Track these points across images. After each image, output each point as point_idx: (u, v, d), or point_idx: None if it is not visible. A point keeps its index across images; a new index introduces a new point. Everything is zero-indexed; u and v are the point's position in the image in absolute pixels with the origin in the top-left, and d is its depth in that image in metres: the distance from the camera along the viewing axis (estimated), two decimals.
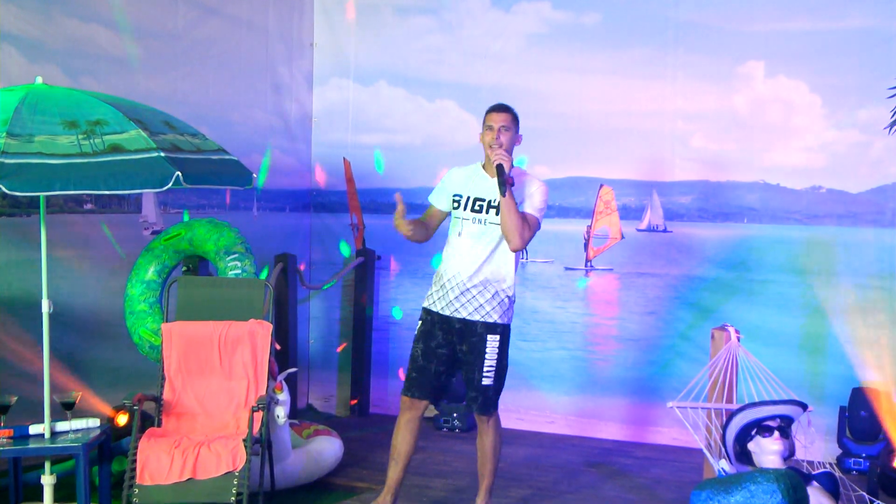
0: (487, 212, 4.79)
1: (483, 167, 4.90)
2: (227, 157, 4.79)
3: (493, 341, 4.83)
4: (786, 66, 6.56)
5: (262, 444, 4.90)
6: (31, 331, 5.11)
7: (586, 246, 7.30)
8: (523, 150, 6.93)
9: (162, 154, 4.23)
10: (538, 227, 4.85)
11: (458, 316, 4.82)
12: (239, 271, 5.74)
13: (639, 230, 7.15)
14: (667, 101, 6.85)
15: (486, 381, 4.86)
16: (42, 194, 4.23)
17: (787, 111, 6.59)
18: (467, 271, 4.79)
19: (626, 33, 6.99)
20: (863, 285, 6.41)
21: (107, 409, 5.61)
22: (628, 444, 6.94)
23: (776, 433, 4.25)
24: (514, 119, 4.82)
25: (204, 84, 6.77)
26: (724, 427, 4.38)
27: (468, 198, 4.84)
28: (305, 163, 7.92)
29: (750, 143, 6.68)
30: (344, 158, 7.83)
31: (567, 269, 7.34)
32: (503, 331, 4.88)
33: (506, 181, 4.62)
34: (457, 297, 4.81)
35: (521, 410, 7.27)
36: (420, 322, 4.98)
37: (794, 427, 4.36)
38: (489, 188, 4.79)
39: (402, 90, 7.65)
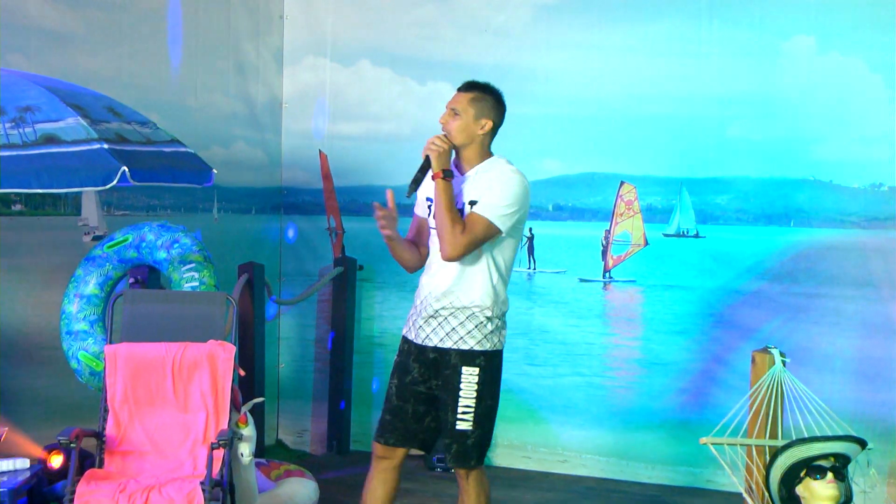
0: None
1: (454, 163, 4.64)
2: (182, 149, 4.79)
3: (469, 375, 4.51)
4: (841, 42, 6.56)
5: (223, 489, 4.87)
6: None
7: (604, 253, 7.30)
8: (532, 141, 6.92)
9: (105, 146, 4.22)
10: (491, 230, 4.44)
11: (430, 344, 4.58)
12: (196, 283, 5.72)
13: (666, 235, 7.15)
14: (699, 84, 6.85)
15: (461, 426, 4.51)
16: None
17: (843, 95, 6.59)
18: (436, 290, 4.54)
19: (651, 4, 6.99)
20: None
21: (37, 449, 5.57)
22: (654, 487, 6.94)
23: (829, 475, 4.25)
24: (477, 100, 4.55)
25: (155, 63, 6.76)
26: (768, 467, 4.38)
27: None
28: (275, 156, 7.91)
29: (797, 133, 6.68)
30: (320, 151, 7.83)
31: (582, 280, 7.34)
32: (486, 362, 4.54)
33: (418, 179, 4.48)
34: (426, 322, 4.58)
35: (528, 447, 7.27)
36: (397, 353, 4.77)
37: (850, 468, 4.35)
38: (456, 188, 4.52)
39: (389, 70, 7.65)
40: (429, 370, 4.63)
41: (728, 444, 4.68)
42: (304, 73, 7.91)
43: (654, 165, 7.09)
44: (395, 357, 4.77)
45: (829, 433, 4.53)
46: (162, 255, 5.83)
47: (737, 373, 6.44)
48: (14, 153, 4.06)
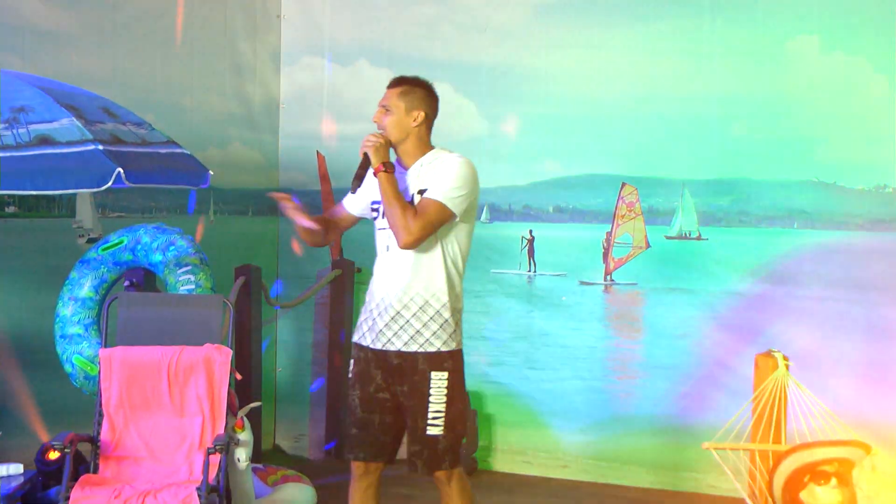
0: None
1: (398, 161, 4.62)
2: (177, 150, 4.79)
3: (438, 379, 4.47)
4: (845, 41, 6.56)
5: (219, 494, 4.87)
6: None
7: (606, 256, 7.30)
8: (532, 142, 6.93)
9: (100, 147, 4.22)
10: (445, 213, 4.39)
11: (393, 348, 4.50)
12: (192, 286, 5.73)
13: (668, 237, 7.14)
14: (701, 84, 6.85)
15: (432, 431, 4.46)
16: None
17: (847, 95, 6.59)
18: (394, 291, 4.48)
19: (653, 3, 6.99)
20: None
21: (31, 455, 5.57)
22: (656, 493, 6.93)
23: (833, 480, 4.25)
24: (406, 93, 4.52)
25: (150, 63, 6.76)
26: (772, 473, 4.38)
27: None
28: (272, 157, 7.92)
29: (801, 134, 6.68)
30: (318, 152, 7.83)
31: (582, 283, 7.34)
32: (453, 364, 4.51)
33: (360, 176, 4.44)
34: (387, 325, 4.50)
35: (528, 452, 7.26)
36: (353, 362, 4.65)
37: (855, 473, 4.35)
38: (402, 182, 4.49)
39: (387, 70, 7.56)
40: (392, 376, 4.54)
41: (731, 449, 4.68)
42: (301, 73, 7.91)
43: (655, 166, 7.09)
44: (352, 367, 4.65)
45: (834, 438, 4.54)
46: (157, 257, 5.84)
47: (740, 377, 6.41)
48: (8, 154, 4.07)
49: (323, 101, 7.83)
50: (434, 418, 4.45)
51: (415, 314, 4.46)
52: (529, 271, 7.43)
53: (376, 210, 4.58)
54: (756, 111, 6.78)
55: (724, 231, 6.99)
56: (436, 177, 4.45)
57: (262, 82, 7.81)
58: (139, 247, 5.87)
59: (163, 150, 4.69)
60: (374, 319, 4.53)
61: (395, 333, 4.48)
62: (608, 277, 7.29)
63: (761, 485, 4.61)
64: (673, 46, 6.92)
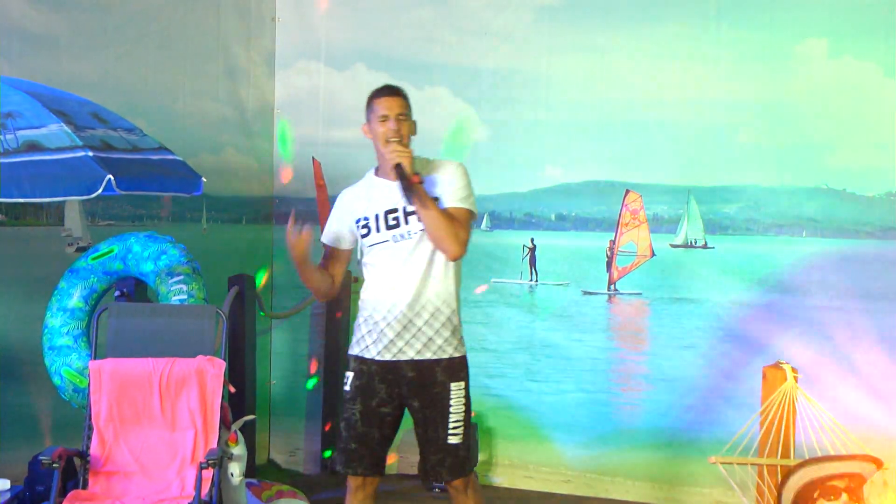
0: (407, 221, 4.56)
1: (376, 172, 4.73)
2: (169, 156, 4.79)
3: (457, 390, 4.61)
4: (854, 45, 6.56)
5: None
6: None
7: (609, 265, 7.30)
8: (533, 148, 6.94)
9: (90, 153, 4.22)
10: (474, 218, 4.63)
11: (405, 358, 4.57)
12: (184, 297, 5.72)
13: (673, 246, 7.15)
14: (707, 89, 6.86)
15: (453, 440, 4.59)
16: None
17: (856, 100, 6.59)
18: (405, 299, 4.53)
19: (657, 5, 7.00)
20: None
21: (18, 470, 5.56)
22: None
23: (844, 496, 4.24)
24: (408, 103, 4.70)
25: (141, 67, 6.76)
26: (780, 488, 4.37)
27: (376, 216, 4.61)
28: (266, 163, 7.92)
29: (810, 140, 6.68)
30: (313, 158, 7.82)
31: (585, 292, 7.34)
32: (465, 372, 4.67)
33: (411, 183, 4.45)
34: (399, 335, 4.55)
35: (530, 467, 7.26)
36: (352, 376, 4.67)
37: (865, 489, 4.34)
38: (396, 194, 4.55)
39: (385, 74, 7.63)
40: (402, 388, 4.61)
41: (738, 464, 4.68)
42: (296, 78, 7.91)
43: (660, 173, 7.09)
44: (350, 381, 4.68)
45: (844, 452, 4.53)
46: (149, 266, 5.83)
47: (747, 389, 6.42)
48: None
49: (319, 106, 7.83)
50: (454, 427, 4.58)
51: (427, 321, 4.54)
52: (531, 281, 7.43)
53: (365, 226, 4.64)
54: (763, 116, 6.79)
55: (730, 239, 7.00)
56: (445, 184, 4.57)
57: (256, 86, 7.81)
58: (130, 256, 5.87)
59: (154, 157, 4.70)
60: (382, 330, 4.57)
61: (407, 342, 4.55)
62: (612, 287, 7.29)
63: (769, 500, 4.61)
64: (678, 50, 6.92)
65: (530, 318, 7.41)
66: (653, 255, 7.19)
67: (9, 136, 4.15)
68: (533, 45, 7.26)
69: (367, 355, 4.63)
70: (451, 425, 4.58)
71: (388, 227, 4.58)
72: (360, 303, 4.72)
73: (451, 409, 4.58)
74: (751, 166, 6.84)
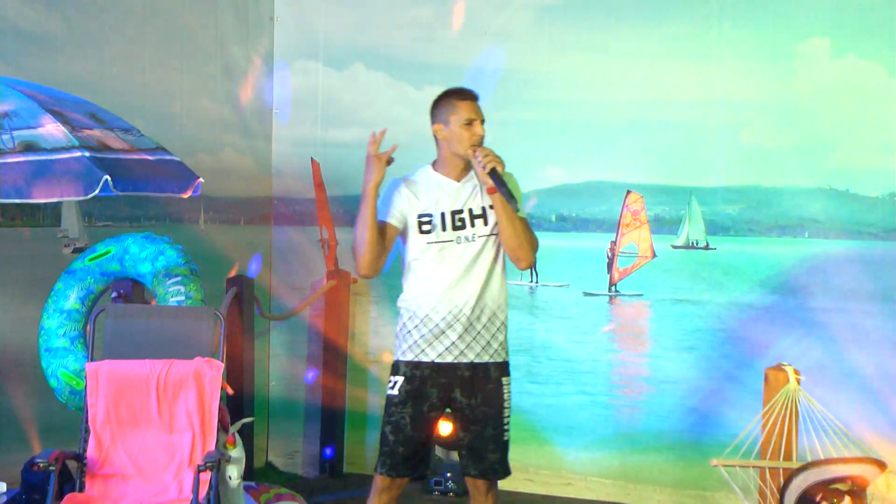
0: (473, 224, 4.59)
1: (433, 167, 4.72)
2: (167, 157, 4.79)
3: (507, 385, 4.73)
4: (857, 44, 6.56)
5: None
6: None
7: (610, 266, 7.30)
8: (534, 148, 6.94)
9: (87, 154, 4.22)
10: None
11: (465, 360, 4.60)
12: (182, 298, 5.72)
13: (674, 247, 7.15)
14: (709, 88, 6.86)
15: (505, 437, 4.74)
16: None
17: (859, 99, 6.59)
18: (468, 303, 4.56)
19: (659, 4, 7.00)
20: None
21: (13, 474, 5.56)
22: None
23: (847, 499, 4.24)
24: None
25: (139, 67, 6.76)
26: (782, 491, 4.37)
27: (442, 214, 4.59)
28: (264, 164, 7.92)
29: (812, 140, 6.69)
30: (312, 159, 7.81)
31: (586, 294, 7.34)
32: (509, 372, 4.79)
33: (507, 188, 4.43)
34: (460, 337, 4.57)
35: (530, 470, 7.25)
36: (402, 380, 4.65)
37: (869, 492, 4.34)
38: (462, 195, 4.61)
39: (384, 74, 7.65)
40: (454, 391, 4.63)
41: (740, 467, 4.68)
42: (295, 78, 7.91)
43: (661, 174, 7.09)
44: (401, 385, 4.65)
45: (847, 455, 4.53)
46: (146, 267, 5.82)
47: (749, 391, 6.40)
48: None
49: (317, 106, 7.83)
50: (506, 423, 4.72)
51: (485, 325, 4.62)
52: (531, 282, 7.43)
53: (428, 222, 4.60)
54: (765, 116, 6.79)
55: (732, 240, 7.00)
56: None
57: (254, 86, 7.81)
58: (127, 257, 5.86)
59: (152, 157, 4.69)
60: (444, 332, 4.59)
61: (468, 345, 4.60)
62: (613, 288, 7.29)
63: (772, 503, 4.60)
64: (679, 50, 6.93)
65: (531, 319, 7.40)
66: (654, 256, 7.19)
67: (5, 137, 4.15)
68: (533, 45, 7.26)
69: (425, 359, 4.62)
70: (504, 421, 4.71)
71: (455, 228, 4.58)
72: (409, 302, 4.67)
73: (505, 405, 4.71)
74: (753, 166, 6.85)
